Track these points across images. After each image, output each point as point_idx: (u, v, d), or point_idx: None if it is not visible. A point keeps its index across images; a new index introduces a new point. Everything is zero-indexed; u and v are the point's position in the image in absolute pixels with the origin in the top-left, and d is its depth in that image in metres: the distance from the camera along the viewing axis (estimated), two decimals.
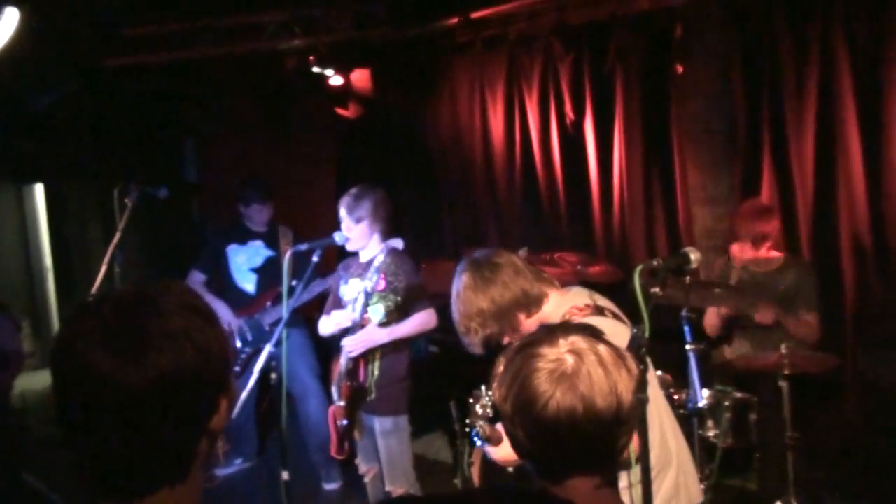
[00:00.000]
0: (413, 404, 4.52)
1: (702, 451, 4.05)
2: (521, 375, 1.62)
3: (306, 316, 5.69)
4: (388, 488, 4.44)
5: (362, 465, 4.58)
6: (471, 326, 2.79)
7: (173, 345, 1.22)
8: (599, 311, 2.70)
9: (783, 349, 4.03)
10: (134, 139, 7.25)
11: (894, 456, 4.68)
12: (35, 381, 9.16)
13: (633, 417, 1.63)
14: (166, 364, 1.21)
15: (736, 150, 5.38)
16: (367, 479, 4.64)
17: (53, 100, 6.65)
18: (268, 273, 5.76)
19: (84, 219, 8.43)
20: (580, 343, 1.64)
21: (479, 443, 2.77)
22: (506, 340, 2.85)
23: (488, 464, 4.54)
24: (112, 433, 1.22)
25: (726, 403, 4.25)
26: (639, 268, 2.52)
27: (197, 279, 5.82)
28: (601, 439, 1.60)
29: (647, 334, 2.37)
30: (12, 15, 4.65)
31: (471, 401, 2.84)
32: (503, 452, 2.73)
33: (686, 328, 3.69)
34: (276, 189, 7.55)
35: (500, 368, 1.69)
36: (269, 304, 5.71)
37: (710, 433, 4.19)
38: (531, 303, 2.77)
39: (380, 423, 4.34)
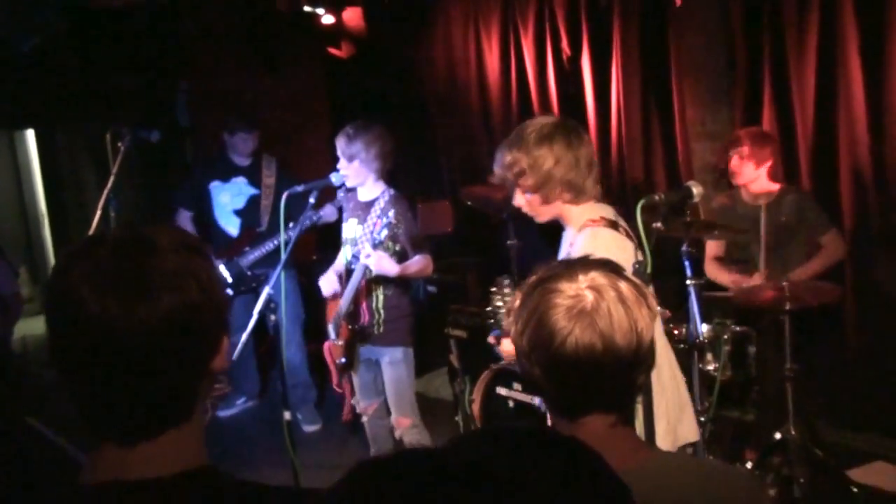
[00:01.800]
0: (413, 344, 4.55)
1: (701, 384, 4.07)
2: (538, 311, 1.58)
3: (297, 260, 5.71)
4: (394, 417, 4.48)
5: (362, 403, 4.61)
6: (520, 164, 2.76)
7: (177, 283, 1.21)
8: (613, 224, 2.69)
9: (784, 281, 4.03)
10: (124, 81, 7.15)
11: (892, 385, 4.72)
12: (34, 326, 9.19)
13: (651, 355, 1.61)
14: (171, 303, 1.19)
15: (735, 85, 5.32)
16: (365, 418, 4.67)
17: (39, 41, 6.54)
18: (251, 214, 5.71)
19: (77, 163, 8.38)
20: (600, 279, 1.60)
21: (495, 332, 2.79)
22: (518, 199, 2.87)
23: (489, 401, 4.58)
24: (116, 376, 1.20)
25: (725, 337, 4.27)
26: (641, 202, 2.52)
27: (184, 216, 5.79)
28: (619, 377, 1.58)
29: (649, 269, 2.37)
30: None
31: (493, 289, 2.86)
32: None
33: (686, 263, 3.67)
34: (269, 130, 7.48)
35: (517, 303, 1.66)
36: (247, 247, 5.63)
37: (710, 366, 4.21)
38: (578, 194, 2.79)
39: (390, 354, 4.38)
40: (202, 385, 1.30)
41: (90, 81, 7.22)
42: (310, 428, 5.86)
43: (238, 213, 5.71)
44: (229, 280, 5.62)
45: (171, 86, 7.61)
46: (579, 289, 1.58)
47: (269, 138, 7.70)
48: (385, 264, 4.11)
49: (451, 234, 7.13)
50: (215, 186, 5.72)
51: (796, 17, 4.86)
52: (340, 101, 7.94)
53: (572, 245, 2.75)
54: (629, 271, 2.27)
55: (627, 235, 2.69)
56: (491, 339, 3.75)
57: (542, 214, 2.89)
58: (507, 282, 2.93)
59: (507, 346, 2.79)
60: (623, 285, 1.61)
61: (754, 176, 4.65)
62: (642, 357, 1.59)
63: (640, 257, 2.50)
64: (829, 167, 4.85)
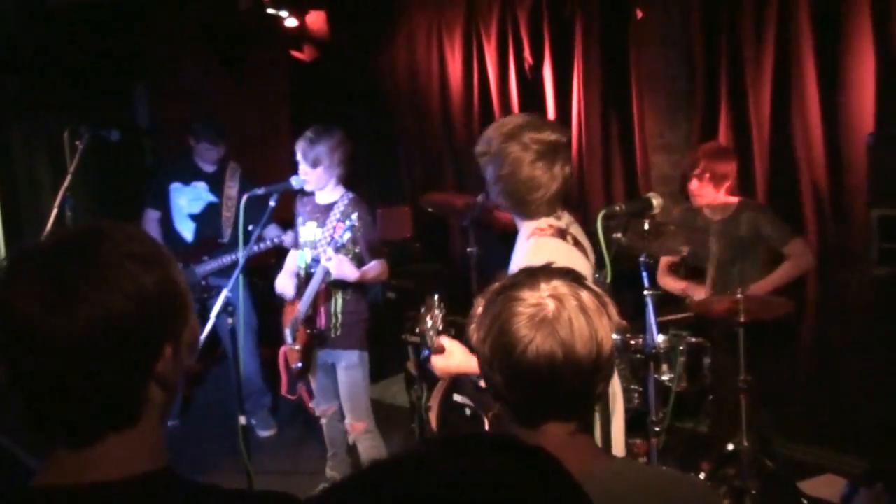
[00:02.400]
0: (370, 349, 4.55)
1: (656, 395, 4.10)
2: (500, 319, 1.59)
3: (252, 265, 5.59)
4: (348, 422, 4.48)
5: (321, 405, 4.62)
6: (482, 146, 2.80)
7: (100, 295, 1.20)
8: (561, 234, 2.65)
9: (738, 294, 4.07)
10: (82, 79, 7.06)
11: (846, 398, 4.79)
12: None
13: (611, 365, 1.62)
14: (92, 314, 1.19)
15: (694, 98, 5.39)
16: (324, 421, 4.68)
17: None
18: (207, 221, 5.58)
19: (32, 161, 8.24)
20: (562, 288, 1.61)
21: (425, 352, 2.78)
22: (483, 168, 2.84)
23: (446, 408, 4.58)
24: (45, 382, 1.21)
25: (681, 348, 4.31)
26: (602, 212, 2.54)
27: (152, 217, 5.68)
28: (579, 386, 1.59)
29: (609, 279, 2.39)
30: None
31: (422, 309, 2.84)
32: (444, 363, 2.75)
33: (644, 273, 3.70)
34: (230, 132, 7.42)
35: (479, 310, 1.66)
36: (205, 256, 5.47)
37: (665, 377, 4.25)
38: (519, 209, 2.75)
39: (346, 358, 4.38)
40: (147, 391, 1.29)
41: (47, 78, 7.13)
42: (264, 433, 5.82)
43: (194, 217, 5.60)
44: None
45: (130, 85, 7.54)
46: (541, 297, 1.59)
47: (230, 137, 7.67)
48: (345, 269, 4.12)
49: (409, 239, 7.13)
50: (175, 188, 5.61)
51: (753, 32, 4.93)
52: (302, 105, 7.90)
53: (515, 254, 2.73)
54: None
55: (576, 244, 2.67)
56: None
57: (504, 216, 2.92)
58: (437, 302, 2.91)
59: (438, 363, 2.78)
60: (584, 294, 1.62)
61: (714, 197, 4.69)
62: (602, 366, 1.60)
63: (591, 267, 2.52)
64: (786, 181, 4.92)
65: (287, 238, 5.03)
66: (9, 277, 1.21)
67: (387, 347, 5.66)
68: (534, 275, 1.65)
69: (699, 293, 4.67)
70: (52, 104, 7.24)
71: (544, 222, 2.72)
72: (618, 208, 2.67)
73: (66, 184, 4.79)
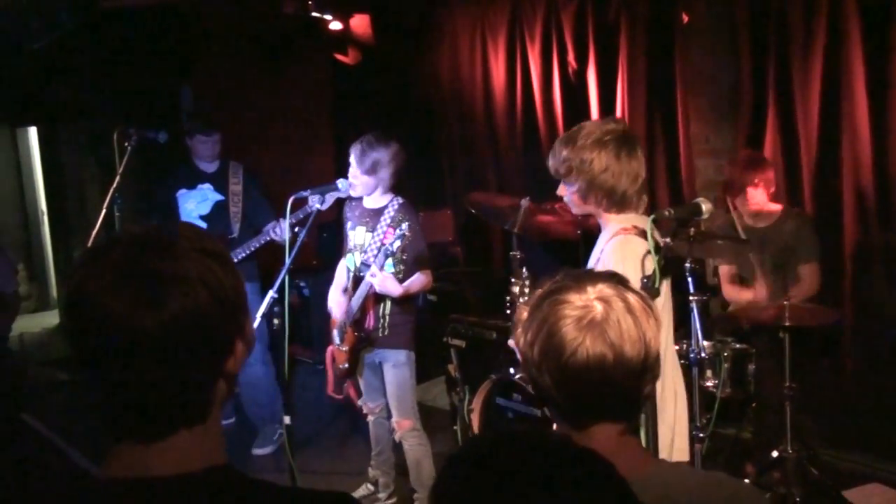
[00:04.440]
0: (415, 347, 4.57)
1: (700, 401, 4.08)
2: (548, 322, 1.60)
3: (262, 269, 5.56)
4: (394, 420, 4.50)
5: (368, 403, 4.66)
6: (570, 161, 2.87)
7: (187, 288, 1.22)
8: (643, 235, 2.73)
9: (785, 301, 4.05)
10: (130, 82, 7.16)
11: (889, 407, 4.73)
12: (32, 323, 9.21)
13: (657, 365, 1.63)
14: (180, 307, 1.21)
15: (740, 103, 5.36)
16: (370, 418, 4.71)
17: (50, 40, 6.54)
18: (216, 220, 5.49)
19: (79, 161, 8.38)
20: (608, 290, 1.62)
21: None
22: (562, 189, 2.98)
23: (488, 411, 4.59)
24: (128, 376, 1.23)
25: (725, 354, 4.28)
26: (651, 217, 2.53)
27: None
28: (628, 387, 1.60)
29: (657, 284, 2.39)
30: None
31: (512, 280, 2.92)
32: None
33: (689, 279, 3.68)
34: (271, 134, 7.45)
35: (525, 315, 1.68)
36: None
37: (709, 383, 4.23)
38: (617, 205, 2.88)
39: (393, 357, 4.42)
40: (216, 387, 1.32)
41: (96, 81, 7.24)
42: (259, 451, 5.67)
43: (204, 218, 5.54)
44: None
45: (177, 87, 7.63)
46: (588, 300, 1.61)
47: (272, 141, 7.75)
48: (389, 285, 4.18)
49: (451, 242, 7.15)
50: (182, 194, 5.57)
51: (802, 36, 4.91)
52: (345, 107, 7.96)
53: (602, 251, 2.84)
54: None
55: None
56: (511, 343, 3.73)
57: (578, 210, 3.02)
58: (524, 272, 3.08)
59: None
60: (630, 296, 1.64)
61: (765, 203, 4.66)
62: (650, 366, 1.62)
63: (649, 272, 2.52)
64: (831, 188, 4.88)
65: (276, 233, 5.07)
66: (90, 273, 1.22)
67: (428, 350, 5.68)
68: (579, 278, 1.67)
69: (760, 295, 4.63)
70: (100, 106, 7.36)
71: (629, 221, 2.83)
72: (667, 213, 2.67)
73: (114, 185, 4.84)
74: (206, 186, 5.55)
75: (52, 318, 9.75)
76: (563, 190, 2.97)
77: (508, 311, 4.18)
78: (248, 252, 5.29)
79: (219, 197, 5.54)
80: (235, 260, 5.21)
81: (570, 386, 1.59)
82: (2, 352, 5.68)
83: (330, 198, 4.32)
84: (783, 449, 4.14)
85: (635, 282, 2.12)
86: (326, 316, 4.68)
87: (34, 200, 10.39)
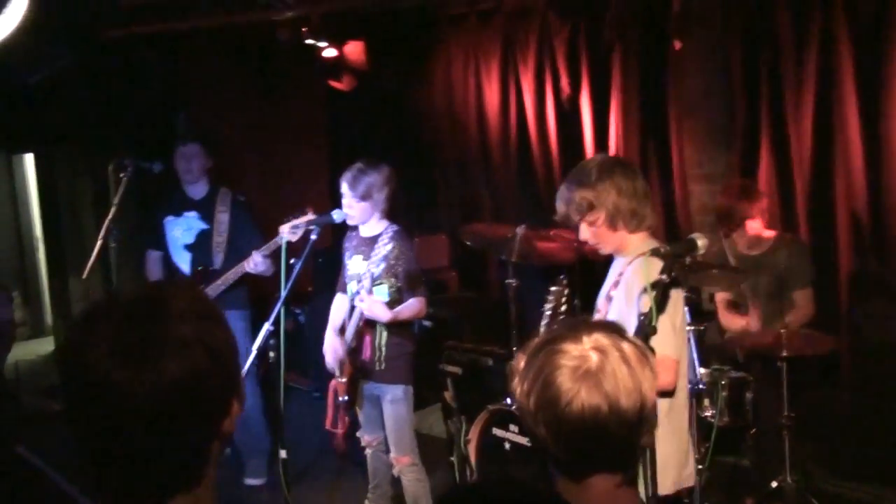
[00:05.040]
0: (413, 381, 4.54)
1: (698, 430, 4.08)
2: (543, 372, 1.59)
3: (251, 298, 5.47)
4: (392, 456, 4.47)
5: (366, 436, 4.61)
6: (587, 199, 2.94)
7: (186, 351, 1.21)
8: (660, 254, 2.74)
9: (781, 330, 4.04)
10: (126, 110, 7.17)
11: (888, 434, 4.71)
12: (27, 350, 9.16)
13: (655, 416, 1.62)
14: (178, 371, 1.20)
15: (734, 128, 5.37)
16: (368, 451, 4.67)
17: (50, 74, 6.55)
18: (200, 250, 5.33)
19: (75, 188, 8.37)
20: (603, 340, 1.61)
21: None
22: (583, 232, 3.03)
23: (485, 441, 4.56)
24: (125, 441, 1.21)
25: (723, 382, 4.27)
26: (646, 255, 2.53)
27: (154, 257, 5.49)
28: (624, 438, 1.58)
29: (654, 322, 2.38)
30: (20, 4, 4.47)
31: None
32: None
33: (685, 308, 3.68)
34: (267, 160, 7.41)
35: (522, 364, 1.67)
36: (201, 286, 5.12)
37: (707, 413, 4.21)
38: (639, 223, 3.00)
39: (391, 392, 4.37)
40: (212, 448, 1.30)
41: (92, 109, 7.24)
42: (252, 481, 5.54)
43: (189, 248, 5.38)
44: None
45: (171, 115, 7.64)
46: (584, 350, 1.60)
47: (267, 167, 7.74)
48: (377, 310, 4.14)
49: (446, 267, 7.14)
50: (169, 221, 5.40)
51: (794, 62, 4.93)
52: (339, 134, 7.96)
53: (622, 274, 2.93)
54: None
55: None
56: None
57: (608, 244, 3.05)
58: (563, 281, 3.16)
59: None
60: (626, 346, 1.62)
61: (759, 230, 4.66)
62: (646, 417, 1.60)
63: (644, 309, 2.51)
64: (826, 214, 4.88)
65: (249, 265, 4.96)
66: (86, 338, 1.21)
67: (424, 377, 5.64)
68: (575, 328, 1.66)
69: (753, 321, 4.62)
70: (96, 132, 7.36)
71: (647, 244, 2.90)
72: (662, 250, 2.66)
73: (110, 216, 4.82)
74: (192, 214, 5.37)
75: (46, 345, 9.69)
76: (586, 232, 3.02)
77: (546, 322, 4.05)
78: (227, 285, 5.14)
79: (203, 226, 5.35)
80: (216, 292, 5.14)
81: (565, 437, 1.58)
82: None
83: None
84: (782, 479, 4.12)
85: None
86: (321, 343, 4.65)
87: (29, 226, 10.37)
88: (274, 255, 4.84)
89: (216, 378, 1.25)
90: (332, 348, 4.46)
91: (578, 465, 1.62)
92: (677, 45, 5.38)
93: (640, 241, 3.01)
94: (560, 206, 3.02)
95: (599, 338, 1.62)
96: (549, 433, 1.59)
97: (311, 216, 4.22)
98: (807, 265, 4.62)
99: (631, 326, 2.11)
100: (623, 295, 3.00)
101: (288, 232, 4.21)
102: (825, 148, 4.84)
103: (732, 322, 4.84)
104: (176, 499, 1.26)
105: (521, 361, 1.68)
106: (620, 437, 1.58)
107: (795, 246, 4.67)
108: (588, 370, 1.57)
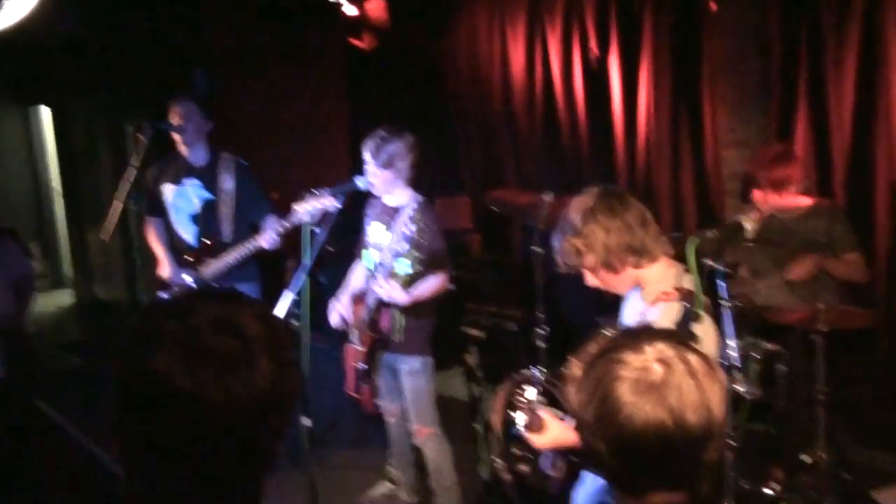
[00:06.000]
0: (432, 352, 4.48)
1: (730, 403, 4.01)
2: (603, 383, 1.50)
3: (263, 269, 5.33)
4: (413, 426, 4.44)
5: (387, 405, 4.58)
6: (576, 246, 2.77)
7: (271, 356, 1.18)
8: (688, 297, 2.54)
9: (819, 304, 3.95)
10: (146, 68, 7.06)
11: None
12: (47, 302, 9.17)
13: (723, 432, 1.53)
14: (272, 374, 1.17)
15: (769, 92, 5.22)
16: (390, 419, 4.64)
17: (68, 31, 6.43)
18: (206, 221, 5.07)
19: (93, 143, 8.32)
20: (668, 351, 1.51)
21: (520, 429, 2.72)
22: (589, 279, 2.85)
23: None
24: (206, 461, 1.15)
25: (755, 355, 4.19)
26: (694, 241, 2.44)
27: (154, 224, 5.25)
28: (689, 455, 1.48)
29: (700, 309, 2.29)
30: None
31: (517, 383, 2.81)
32: (542, 440, 2.69)
33: (721, 284, 3.60)
34: (285, 120, 7.29)
35: (579, 372, 1.57)
36: (209, 258, 5.01)
37: (739, 387, 4.13)
38: (643, 254, 2.75)
39: (408, 364, 4.32)
40: (274, 460, 1.25)
41: (110, 59, 7.15)
42: None
43: (194, 218, 5.12)
44: None
45: (190, 71, 7.53)
46: (646, 360, 1.50)
47: (286, 127, 7.64)
48: (396, 295, 4.07)
49: (469, 229, 7.06)
50: (168, 189, 5.13)
51: (836, 24, 4.76)
52: (360, 93, 7.83)
53: (644, 314, 2.70)
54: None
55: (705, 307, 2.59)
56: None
57: (619, 286, 2.85)
58: (534, 377, 2.96)
59: (537, 441, 2.72)
60: (692, 357, 1.52)
61: (781, 203, 4.54)
62: (714, 433, 1.49)
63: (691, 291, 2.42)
64: (865, 183, 4.75)
65: (265, 240, 4.81)
66: (160, 351, 1.15)
67: (446, 339, 5.59)
68: (636, 336, 1.56)
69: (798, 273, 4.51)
70: (115, 88, 7.27)
71: (669, 281, 2.68)
72: (709, 234, 2.57)
73: (131, 179, 4.72)
74: (195, 182, 5.10)
75: (65, 297, 9.71)
76: (591, 279, 2.86)
77: None
78: (239, 259, 4.97)
79: (207, 195, 5.09)
80: (226, 266, 4.98)
81: (626, 452, 1.48)
82: (18, 337, 5.61)
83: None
84: (813, 453, 4.06)
85: None
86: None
87: (46, 178, 10.34)
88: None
89: (293, 384, 1.23)
90: (338, 311, 4.41)
91: (639, 481, 1.53)
92: (713, 6, 5.21)
93: (660, 275, 2.77)
94: (558, 258, 2.86)
95: (663, 348, 1.51)
96: (608, 448, 1.49)
97: (327, 197, 4.09)
98: (848, 229, 4.49)
99: None
100: None
101: (305, 214, 4.10)
102: (866, 112, 4.68)
103: (748, 287, 4.75)
104: None
105: (577, 370, 1.58)
106: (685, 454, 1.48)
107: (833, 213, 4.54)
108: (652, 383, 1.47)
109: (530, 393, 2.67)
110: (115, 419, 1.17)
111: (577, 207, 2.79)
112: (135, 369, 1.15)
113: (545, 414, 2.61)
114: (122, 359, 1.17)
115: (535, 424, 2.62)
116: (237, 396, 1.13)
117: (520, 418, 2.66)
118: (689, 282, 2.67)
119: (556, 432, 2.78)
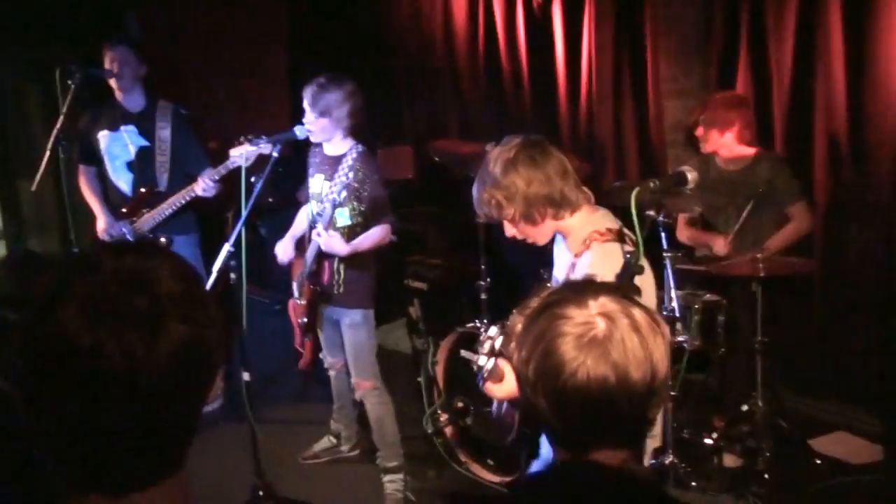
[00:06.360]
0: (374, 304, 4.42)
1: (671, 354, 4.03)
2: (545, 339, 1.45)
3: (202, 221, 5.24)
4: (353, 380, 4.40)
5: (328, 358, 4.56)
6: (495, 198, 2.70)
7: (187, 311, 1.10)
8: (621, 238, 2.57)
9: (758, 254, 3.97)
10: (74, 8, 6.80)
11: (859, 353, 4.72)
12: None
13: (666, 388, 1.49)
14: (184, 333, 1.09)
15: (710, 42, 5.20)
16: (332, 373, 4.61)
17: None
18: (142, 170, 4.96)
19: (22, 91, 8.03)
20: (611, 305, 1.46)
21: (480, 380, 2.66)
22: (508, 230, 2.80)
23: (453, 363, 4.49)
24: (115, 419, 1.07)
25: (696, 306, 4.21)
26: (635, 191, 2.40)
27: (88, 172, 5.13)
28: (632, 412, 1.45)
29: (640, 260, 2.27)
30: None
31: (482, 332, 2.76)
32: (501, 389, 2.64)
33: (661, 233, 3.60)
34: (223, 66, 7.09)
35: (520, 328, 1.52)
36: (145, 209, 4.91)
37: (680, 338, 4.15)
38: (563, 206, 2.70)
39: (349, 317, 4.27)
40: (195, 424, 1.19)
41: (36, 8, 6.87)
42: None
43: (129, 166, 5.00)
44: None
45: (120, 15, 7.27)
46: (590, 315, 1.45)
47: (223, 73, 7.44)
48: (335, 244, 3.98)
49: (411, 180, 6.97)
50: (103, 136, 5.00)
51: None
52: (300, 45, 7.63)
53: (574, 265, 2.64)
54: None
55: (633, 243, 2.54)
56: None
57: (540, 236, 2.81)
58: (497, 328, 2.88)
59: (495, 390, 2.67)
60: (636, 312, 1.48)
61: (720, 142, 4.57)
62: (657, 389, 1.46)
63: (631, 247, 2.39)
64: (803, 133, 4.76)
65: (199, 188, 4.72)
66: (65, 307, 1.06)
67: (388, 292, 5.54)
68: (579, 290, 1.51)
69: (719, 245, 4.55)
70: (43, 32, 6.99)
71: (600, 223, 2.65)
72: (651, 185, 2.53)
73: (58, 125, 4.58)
74: (130, 129, 4.98)
75: None
76: (510, 229, 2.80)
77: None
78: (174, 209, 4.87)
79: (143, 142, 4.98)
80: (162, 216, 4.89)
81: (567, 409, 1.44)
82: None
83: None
84: (753, 403, 4.12)
85: None
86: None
87: None
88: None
89: (213, 340, 1.14)
90: (283, 249, 4.38)
91: (581, 439, 1.48)
92: None
93: (583, 222, 2.72)
94: (477, 209, 2.80)
95: (607, 302, 1.47)
96: (550, 405, 1.45)
97: (264, 142, 4.00)
98: (793, 179, 4.53)
99: None
100: None
101: (240, 157, 4.00)
102: (806, 65, 4.67)
103: (691, 237, 4.78)
104: (164, 483, 1.14)
105: (518, 324, 1.53)
106: (628, 411, 1.44)
107: (775, 162, 4.58)
108: (594, 338, 1.42)
109: (498, 341, 2.61)
110: (16, 377, 1.09)
111: (497, 158, 2.71)
112: (37, 324, 1.07)
113: (504, 363, 2.56)
114: (25, 314, 1.09)
115: (496, 373, 2.57)
116: (138, 358, 1.05)
117: (484, 362, 2.60)
118: (613, 221, 2.66)
119: (513, 383, 2.74)
